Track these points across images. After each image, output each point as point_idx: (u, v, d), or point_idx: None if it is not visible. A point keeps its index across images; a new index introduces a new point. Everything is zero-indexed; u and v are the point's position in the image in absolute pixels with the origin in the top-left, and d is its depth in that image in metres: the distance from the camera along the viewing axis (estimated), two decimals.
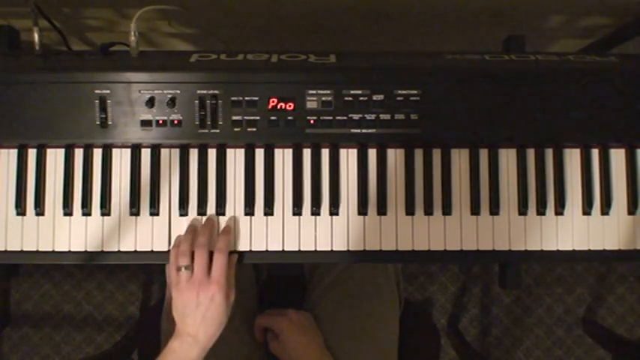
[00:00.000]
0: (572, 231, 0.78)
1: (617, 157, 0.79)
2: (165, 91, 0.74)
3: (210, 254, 0.72)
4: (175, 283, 0.72)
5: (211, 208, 0.77)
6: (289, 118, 0.75)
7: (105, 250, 0.76)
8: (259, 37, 1.06)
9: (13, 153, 0.77)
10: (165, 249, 0.76)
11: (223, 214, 0.77)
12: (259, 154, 0.77)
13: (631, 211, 0.78)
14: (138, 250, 0.76)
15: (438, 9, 0.92)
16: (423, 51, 0.82)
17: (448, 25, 0.99)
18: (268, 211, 0.76)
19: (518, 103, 0.75)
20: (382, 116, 0.75)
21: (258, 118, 0.75)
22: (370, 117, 0.75)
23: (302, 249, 0.76)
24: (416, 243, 0.76)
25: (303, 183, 0.77)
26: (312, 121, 0.75)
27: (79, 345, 1.56)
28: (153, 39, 1.06)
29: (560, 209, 0.77)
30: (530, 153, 0.78)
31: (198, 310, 0.70)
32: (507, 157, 0.78)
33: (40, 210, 0.76)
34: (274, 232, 0.76)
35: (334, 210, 0.76)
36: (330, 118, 0.75)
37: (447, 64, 0.77)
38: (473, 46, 1.09)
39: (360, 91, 0.75)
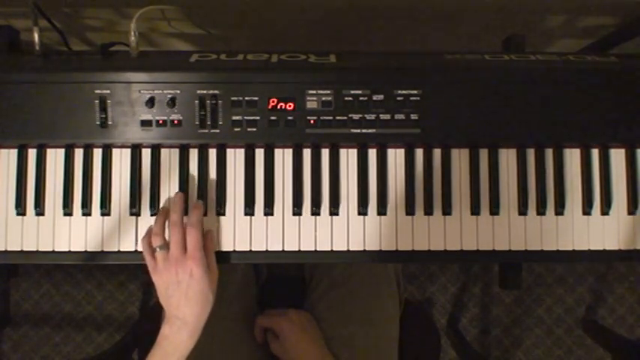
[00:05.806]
0: (572, 231, 0.78)
1: (617, 157, 0.79)
2: (165, 91, 0.74)
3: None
4: (153, 268, 0.72)
5: (211, 208, 0.77)
6: (289, 118, 0.75)
7: (105, 250, 0.76)
8: (259, 37, 1.06)
9: (13, 153, 0.77)
10: None
11: (223, 214, 0.76)
12: (259, 154, 0.77)
13: (631, 211, 0.78)
14: (138, 250, 0.76)
15: (437, 9, 0.92)
16: (423, 51, 0.82)
17: (448, 24, 0.99)
18: (268, 211, 0.76)
19: (518, 103, 0.75)
20: (382, 116, 0.75)
21: (258, 118, 0.75)
22: (370, 117, 0.75)
23: (302, 249, 0.76)
24: (416, 243, 0.76)
25: (303, 183, 0.77)
26: (312, 121, 0.75)
27: (79, 345, 1.56)
28: (153, 39, 1.06)
29: (560, 209, 0.77)
30: (530, 153, 0.78)
31: (179, 289, 0.70)
32: (507, 157, 0.78)
33: (40, 210, 0.76)
34: (274, 232, 0.76)
35: (334, 210, 0.76)
36: (330, 118, 0.75)
37: (447, 64, 0.77)
38: (473, 46, 1.09)
39: (360, 91, 0.75)
